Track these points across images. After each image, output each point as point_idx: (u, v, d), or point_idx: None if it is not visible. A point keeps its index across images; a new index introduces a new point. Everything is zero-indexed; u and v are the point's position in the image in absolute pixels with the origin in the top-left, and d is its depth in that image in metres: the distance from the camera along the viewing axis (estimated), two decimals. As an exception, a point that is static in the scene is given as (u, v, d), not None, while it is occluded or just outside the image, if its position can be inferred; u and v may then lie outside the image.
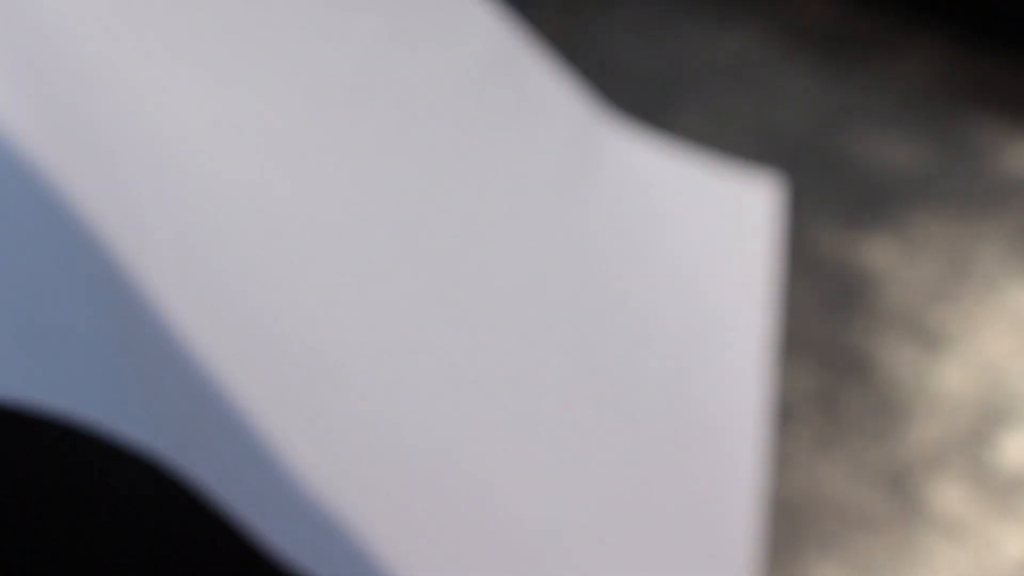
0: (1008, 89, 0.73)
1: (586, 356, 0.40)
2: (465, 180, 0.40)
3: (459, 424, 0.36)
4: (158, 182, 0.34)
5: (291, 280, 0.35)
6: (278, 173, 0.36)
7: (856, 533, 0.63)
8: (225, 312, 0.34)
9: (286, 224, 0.36)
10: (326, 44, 0.38)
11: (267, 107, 0.37)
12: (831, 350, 0.67)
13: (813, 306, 0.68)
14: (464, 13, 0.40)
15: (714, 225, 0.47)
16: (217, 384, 0.33)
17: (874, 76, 0.74)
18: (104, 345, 0.31)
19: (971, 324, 0.67)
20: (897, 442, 0.65)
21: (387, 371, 0.36)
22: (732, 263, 0.45)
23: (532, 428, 0.37)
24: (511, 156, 0.42)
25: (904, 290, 0.68)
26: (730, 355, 0.43)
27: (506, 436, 0.37)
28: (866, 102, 0.73)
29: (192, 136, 0.35)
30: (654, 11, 0.76)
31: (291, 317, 0.35)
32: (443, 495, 0.35)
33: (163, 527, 0.38)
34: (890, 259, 0.69)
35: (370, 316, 0.36)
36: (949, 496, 0.64)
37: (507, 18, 0.43)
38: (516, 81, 0.42)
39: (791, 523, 0.63)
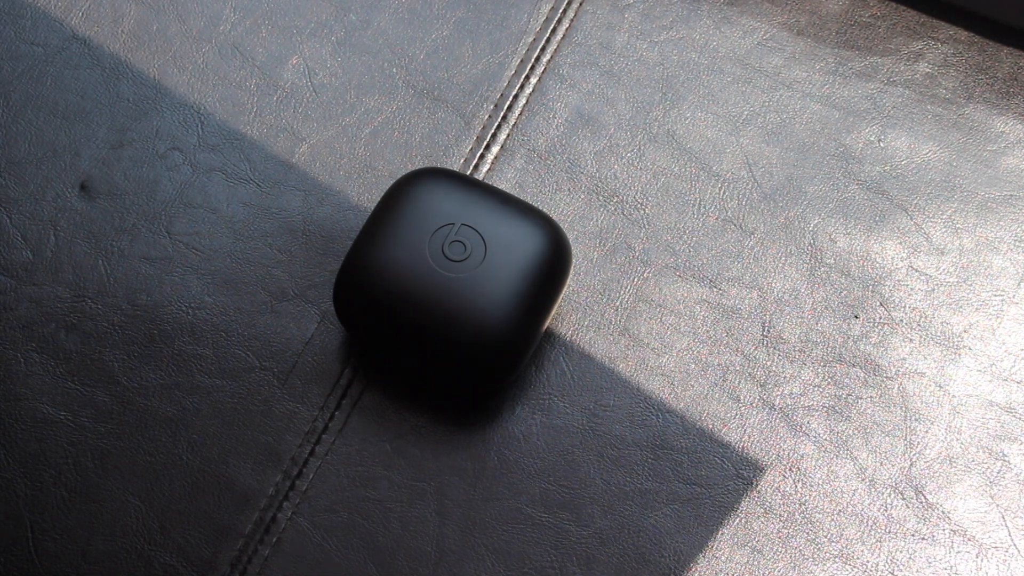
0: None
1: None
2: None
3: None
4: None
5: None
6: None
7: (874, 540, 0.62)
8: None
9: None
10: None
11: None
12: (846, 353, 0.66)
13: (827, 309, 0.67)
14: None
15: None
16: None
17: (888, 71, 0.73)
18: None
19: (987, 327, 0.67)
20: (915, 448, 0.64)
21: None
22: None
23: None
24: None
25: (920, 293, 0.67)
26: None
27: None
28: (880, 97, 0.72)
29: None
30: (662, 0, 0.75)
31: None
32: None
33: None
34: (905, 261, 0.68)
35: None
36: (967, 503, 0.63)
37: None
38: None
39: (809, 531, 0.63)
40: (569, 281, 0.67)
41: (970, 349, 0.66)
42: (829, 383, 0.65)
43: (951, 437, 0.64)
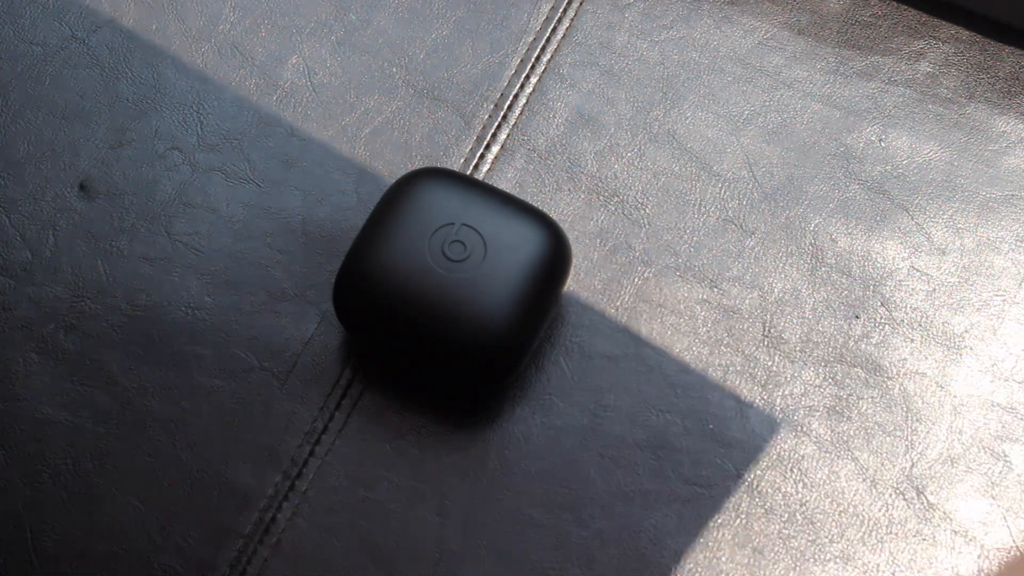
0: None
1: None
2: None
3: None
4: None
5: None
6: None
7: (876, 541, 0.62)
8: None
9: None
10: None
11: None
12: (847, 354, 0.66)
13: (828, 309, 0.67)
14: None
15: None
16: None
17: (889, 70, 0.73)
18: None
19: (988, 327, 0.66)
20: (916, 448, 0.64)
21: None
22: None
23: None
24: None
25: (921, 293, 0.67)
26: None
27: None
28: (881, 97, 0.72)
29: None
30: None
31: None
32: None
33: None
34: (907, 261, 0.68)
35: None
36: (968, 504, 0.63)
37: None
38: None
39: (810, 531, 0.62)
40: (569, 281, 0.67)
41: (971, 349, 0.66)
42: (830, 383, 0.65)
43: (952, 438, 0.64)
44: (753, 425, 0.64)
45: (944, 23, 0.74)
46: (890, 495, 0.63)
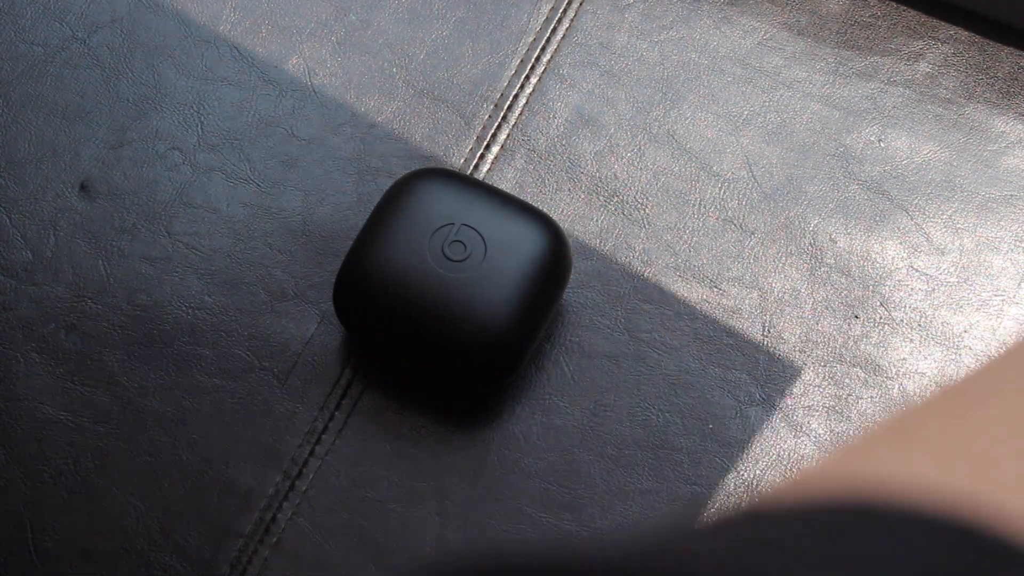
0: None
1: None
2: None
3: None
4: None
5: None
6: None
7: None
8: None
9: None
10: None
11: None
12: (846, 353, 0.66)
13: (827, 309, 0.67)
14: None
15: None
16: None
17: (888, 71, 0.73)
18: None
19: (988, 327, 0.66)
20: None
21: None
22: None
23: None
24: None
25: (920, 293, 0.67)
26: None
27: None
28: (880, 97, 0.72)
29: None
30: None
31: None
32: None
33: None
34: (906, 261, 0.68)
35: None
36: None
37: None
38: None
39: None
40: (569, 281, 0.67)
41: (971, 349, 0.66)
42: (829, 383, 0.65)
43: (951, 437, 0.64)
44: (752, 425, 0.64)
45: (943, 23, 0.74)
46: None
